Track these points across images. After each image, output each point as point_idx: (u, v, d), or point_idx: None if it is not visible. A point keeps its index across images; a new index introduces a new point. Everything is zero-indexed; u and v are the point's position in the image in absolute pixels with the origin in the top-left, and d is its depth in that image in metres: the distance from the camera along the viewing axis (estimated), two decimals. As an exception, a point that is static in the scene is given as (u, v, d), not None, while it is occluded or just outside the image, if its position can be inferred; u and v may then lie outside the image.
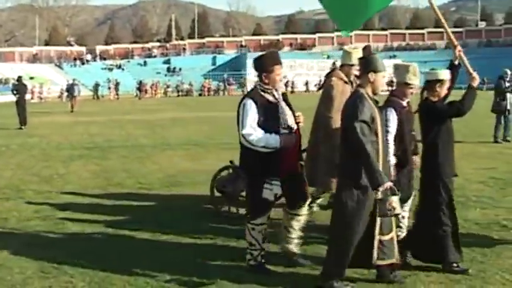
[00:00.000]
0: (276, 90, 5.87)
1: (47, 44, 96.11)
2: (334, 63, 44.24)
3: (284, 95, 6.02)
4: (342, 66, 7.87)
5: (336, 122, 6.86)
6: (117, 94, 62.47)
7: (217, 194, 7.92)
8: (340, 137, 5.43)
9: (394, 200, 4.96)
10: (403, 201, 5.68)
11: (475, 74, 6.05)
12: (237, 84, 73.04)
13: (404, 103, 5.99)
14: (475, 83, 6.02)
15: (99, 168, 12.99)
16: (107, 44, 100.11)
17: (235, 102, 6.07)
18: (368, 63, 5.40)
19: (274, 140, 5.62)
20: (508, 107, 16.90)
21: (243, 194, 6.17)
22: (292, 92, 61.88)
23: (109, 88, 63.35)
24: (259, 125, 5.63)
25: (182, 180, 11.23)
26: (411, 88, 5.97)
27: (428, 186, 5.94)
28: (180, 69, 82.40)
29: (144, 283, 5.69)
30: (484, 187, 10.20)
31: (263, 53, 6.14)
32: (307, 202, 6.10)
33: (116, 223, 7.99)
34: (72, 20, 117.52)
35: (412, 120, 6.13)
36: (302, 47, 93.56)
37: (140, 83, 63.87)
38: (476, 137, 17.82)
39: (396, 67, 6.15)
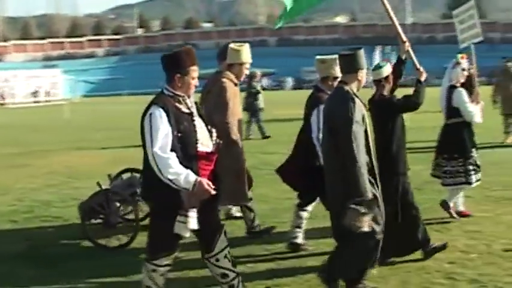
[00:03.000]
0: (189, 97, 4.71)
1: None
2: None
3: (196, 104, 4.87)
4: (230, 65, 6.85)
5: (234, 127, 6.51)
6: None
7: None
8: (326, 144, 5.05)
9: (366, 219, 4.70)
10: None
11: (422, 69, 6.15)
12: None
13: None
14: (423, 77, 6.14)
15: None
16: None
17: None
18: (356, 61, 5.02)
19: (187, 180, 4.40)
20: (261, 106, 18.49)
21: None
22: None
23: None
24: (172, 143, 4.46)
25: None
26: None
27: (385, 184, 5.37)
28: None
29: None
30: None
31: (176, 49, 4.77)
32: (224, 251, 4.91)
33: None
34: None
35: None
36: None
37: None
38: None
39: (322, 61, 6.20)
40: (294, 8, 6.70)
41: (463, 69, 7.42)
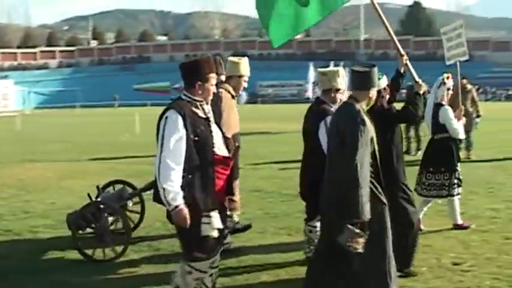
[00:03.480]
0: (207, 103, 4.84)
1: None
2: None
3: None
4: (229, 77, 6.97)
5: (229, 139, 6.14)
6: None
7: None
8: (334, 153, 4.87)
9: (361, 241, 4.58)
10: None
11: (421, 82, 6.24)
12: None
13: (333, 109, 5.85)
14: (422, 90, 6.22)
15: None
16: None
17: None
18: (371, 78, 4.96)
19: (173, 198, 4.44)
20: None
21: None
22: None
23: None
24: (189, 147, 4.53)
25: None
26: (341, 93, 6.07)
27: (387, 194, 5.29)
28: None
29: None
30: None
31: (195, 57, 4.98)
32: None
33: None
34: None
35: None
36: None
37: None
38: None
39: (323, 73, 6.22)
40: (285, 26, 6.58)
41: (448, 89, 7.75)
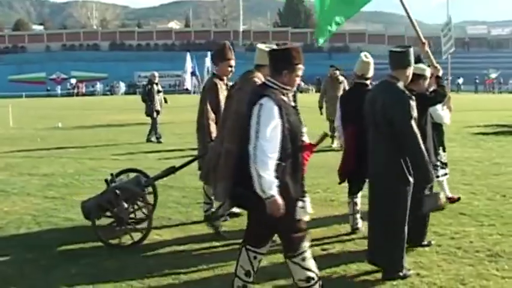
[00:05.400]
0: (291, 92, 4.80)
1: None
2: None
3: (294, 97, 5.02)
4: (259, 66, 6.54)
5: None
6: None
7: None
8: (377, 134, 5.44)
9: (441, 196, 5.36)
10: None
11: (438, 66, 6.61)
12: None
13: None
14: (440, 73, 6.62)
15: None
16: None
17: None
18: (408, 57, 5.41)
19: (270, 187, 4.36)
20: (158, 108, 18.44)
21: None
22: None
23: None
24: (283, 135, 4.47)
25: None
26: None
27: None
28: None
29: None
30: None
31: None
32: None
33: None
34: None
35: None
36: None
37: None
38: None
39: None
40: (329, 20, 7.15)
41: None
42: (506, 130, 18.08)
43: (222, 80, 7.49)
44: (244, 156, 4.44)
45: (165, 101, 19.60)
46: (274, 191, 4.33)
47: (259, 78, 6.42)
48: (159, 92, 18.72)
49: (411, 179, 5.39)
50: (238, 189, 4.62)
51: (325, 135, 4.91)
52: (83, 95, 70.81)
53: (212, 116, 7.30)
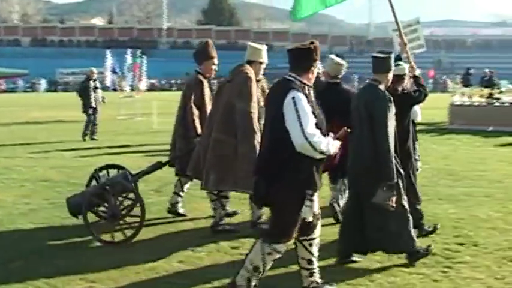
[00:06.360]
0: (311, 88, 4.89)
1: None
2: None
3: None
4: (250, 62, 6.89)
5: (255, 117, 6.56)
6: None
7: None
8: (365, 131, 5.59)
9: (395, 199, 5.54)
10: None
11: (414, 65, 6.96)
12: None
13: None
14: (417, 72, 6.93)
15: None
16: None
17: None
18: (389, 63, 5.81)
19: (332, 144, 4.65)
20: (93, 105, 18.11)
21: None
22: None
23: None
24: None
25: None
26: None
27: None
28: None
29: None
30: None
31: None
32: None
33: None
34: None
35: None
36: None
37: None
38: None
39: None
40: (308, 4, 7.35)
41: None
42: (423, 129, 18.43)
43: (205, 78, 7.67)
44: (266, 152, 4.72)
45: (103, 101, 19.14)
46: (331, 139, 4.66)
47: (249, 70, 6.75)
48: (96, 88, 18.37)
49: (401, 171, 5.85)
50: (260, 187, 4.67)
51: (346, 130, 4.94)
52: (4, 91, 69.68)
53: (196, 112, 7.43)
